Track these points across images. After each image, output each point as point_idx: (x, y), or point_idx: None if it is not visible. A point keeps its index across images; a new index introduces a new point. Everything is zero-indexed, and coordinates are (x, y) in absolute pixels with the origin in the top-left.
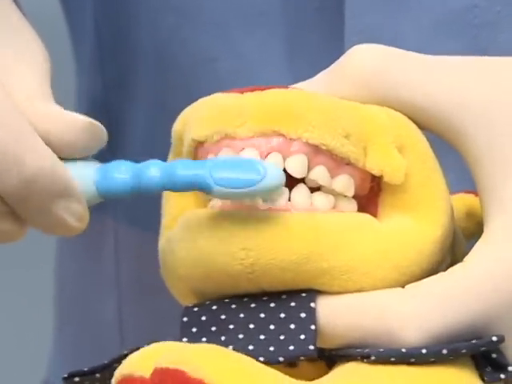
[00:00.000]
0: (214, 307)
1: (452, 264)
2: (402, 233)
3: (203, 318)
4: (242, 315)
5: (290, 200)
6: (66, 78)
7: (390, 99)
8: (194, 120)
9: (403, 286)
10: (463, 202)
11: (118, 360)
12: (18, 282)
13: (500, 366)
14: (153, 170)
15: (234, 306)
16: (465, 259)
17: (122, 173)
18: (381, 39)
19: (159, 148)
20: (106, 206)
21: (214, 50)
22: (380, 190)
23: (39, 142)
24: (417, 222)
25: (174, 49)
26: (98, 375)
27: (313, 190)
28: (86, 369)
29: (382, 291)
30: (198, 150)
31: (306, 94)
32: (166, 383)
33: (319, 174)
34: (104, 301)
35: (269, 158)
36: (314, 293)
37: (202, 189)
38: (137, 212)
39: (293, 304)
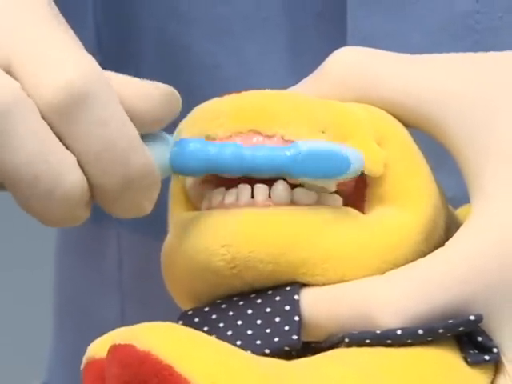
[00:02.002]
0: (206, 309)
1: None
2: (385, 223)
3: (196, 320)
4: (230, 313)
5: (269, 196)
6: None
7: (371, 96)
8: (185, 126)
9: None
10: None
11: None
12: (18, 282)
13: (485, 349)
14: (229, 150)
15: (224, 306)
16: (446, 244)
17: (197, 149)
18: (383, 45)
19: None
20: (108, 215)
21: (217, 56)
22: (365, 185)
23: (139, 139)
24: (400, 212)
25: (177, 55)
26: None
27: (294, 186)
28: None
29: (363, 280)
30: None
31: (280, 93)
32: (116, 358)
33: None
34: (106, 303)
35: None
36: (297, 285)
37: (282, 173)
38: (140, 218)
39: (278, 298)
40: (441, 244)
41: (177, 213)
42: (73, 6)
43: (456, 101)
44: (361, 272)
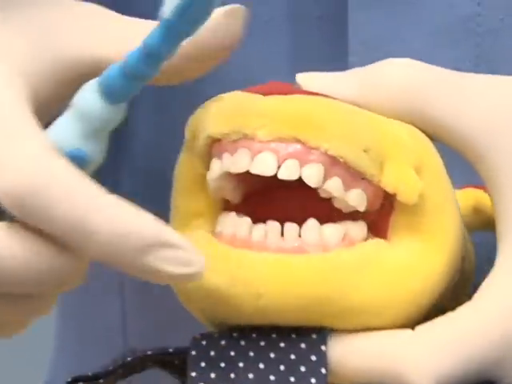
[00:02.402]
0: (223, 342)
1: (459, 283)
2: (410, 264)
3: (212, 354)
4: (251, 353)
5: (300, 235)
6: None
7: (421, 114)
8: (212, 116)
9: (412, 322)
10: (471, 196)
11: (123, 365)
12: None
13: None
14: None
15: (243, 343)
16: (475, 296)
17: (116, 74)
18: (384, 47)
19: (162, 152)
20: None
21: None
22: (392, 209)
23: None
24: (426, 247)
25: None
26: (101, 381)
27: (322, 221)
28: (89, 373)
29: (393, 333)
30: (213, 147)
31: (329, 102)
32: None
33: (334, 186)
34: (107, 304)
35: (285, 164)
36: (324, 334)
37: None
38: None
39: (303, 346)
40: (458, 271)
41: (194, 211)
42: None
43: (505, 136)
44: (389, 321)
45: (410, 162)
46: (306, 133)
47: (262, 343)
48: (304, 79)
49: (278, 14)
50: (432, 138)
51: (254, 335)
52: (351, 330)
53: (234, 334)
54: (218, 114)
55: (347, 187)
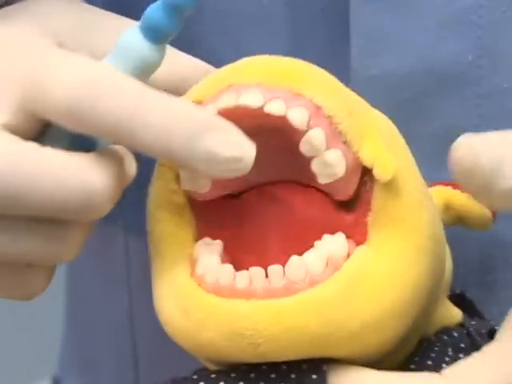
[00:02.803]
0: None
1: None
2: (396, 270)
3: None
4: None
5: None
6: None
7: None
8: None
9: (414, 329)
10: (441, 194)
11: None
12: None
13: None
14: None
15: None
16: (497, 337)
17: (156, 9)
18: (386, 40)
19: None
20: (115, 216)
21: (220, 52)
22: (369, 207)
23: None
24: (407, 246)
25: (181, 51)
26: None
27: (304, 247)
28: None
29: (423, 378)
30: None
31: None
32: None
33: (317, 136)
34: (115, 301)
35: (271, 103)
36: (324, 374)
37: None
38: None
39: None
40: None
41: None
42: None
43: None
44: (387, 333)
45: (385, 144)
46: (293, 81)
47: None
48: None
49: (279, 7)
50: None
51: (252, 375)
52: (349, 355)
53: (233, 375)
54: (198, 86)
55: (328, 144)
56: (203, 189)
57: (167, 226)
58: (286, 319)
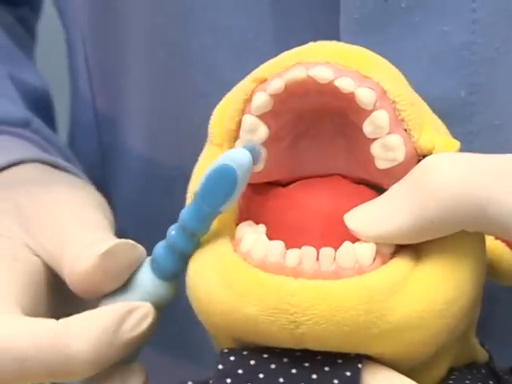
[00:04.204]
0: (252, 362)
1: None
2: (441, 272)
3: (239, 371)
4: (281, 380)
5: (334, 259)
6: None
7: (478, 216)
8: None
9: (453, 335)
10: None
11: None
12: None
13: None
14: (172, 231)
15: (273, 367)
16: None
17: (160, 250)
18: None
19: (153, 179)
20: None
21: (204, 85)
22: None
23: None
24: (453, 250)
25: (165, 83)
26: None
27: (354, 240)
28: None
29: None
30: (257, 89)
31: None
32: None
33: (382, 118)
34: None
35: (341, 79)
36: (358, 373)
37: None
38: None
39: (336, 382)
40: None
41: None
42: (70, 40)
43: None
44: (428, 331)
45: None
46: (361, 64)
47: (294, 371)
48: (352, 220)
49: (266, 41)
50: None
51: (285, 360)
52: (389, 353)
53: (265, 356)
54: (262, 66)
55: (391, 129)
56: (257, 167)
57: None
58: (333, 301)
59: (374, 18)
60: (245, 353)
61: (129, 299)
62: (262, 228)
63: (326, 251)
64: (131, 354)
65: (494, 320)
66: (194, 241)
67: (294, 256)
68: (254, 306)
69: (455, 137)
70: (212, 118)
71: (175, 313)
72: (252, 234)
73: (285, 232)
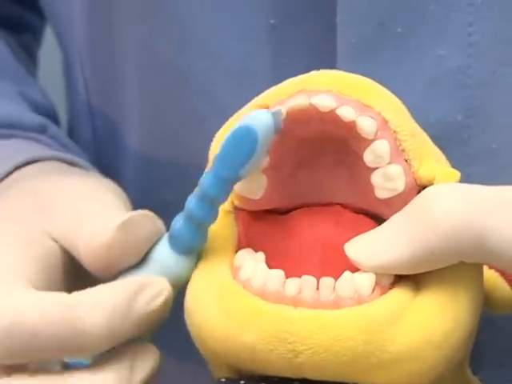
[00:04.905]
0: None
1: None
2: (440, 303)
3: None
4: None
5: (334, 289)
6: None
7: (478, 246)
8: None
9: (452, 366)
10: None
11: None
12: None
13: None
14: (191, 201)
15: None
16: None
17: (178, 223)
18: None
19: (150, 200)
20: None
21: (202, 110)
22: None
23: None
24: (453, 281)
25: (163, 107)
26: None
27: (354, 270)
28: None
29: None
30: None
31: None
32: None
33: (383, 147)
34: None
35: (343, 108)
36: None
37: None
38: None
39: None
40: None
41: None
42: (68, 62)
43: None
44: (426, 362)
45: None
46: (363, 94)
47: None
48: (352, 250)
49: (263, 65)
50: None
51: None
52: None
53: None
54: (265, 93)
55: (391, 159)
56: (256, 195)
57: (211, 229)
58: (332, 330)
59: (370, 42)
60: (242, 382)
61: (145, 275)
62: (261, 256)
63: (326, 281)
64: (145, 334)
65: (489, 345)
66: (214, 209)
67: (293, 285)
68: (252, 334)
69: (452, 160)
70: (213, 143)
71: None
72: (251, 262)
73: (284, 260)
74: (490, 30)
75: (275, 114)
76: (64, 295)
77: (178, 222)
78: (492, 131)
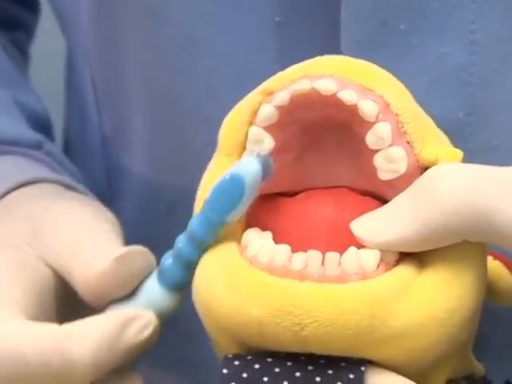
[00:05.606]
0: (257, 366)
1: None
2: (444, 281)
3: (244, 375)
4: (285, 383)
5: (339, 263)
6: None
7: (482, 225)
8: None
9: (456, 343)
10: None
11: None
12: None
13: None
14: (180, 241)
15: (277, 370)
16: None
17: (168, 260)
18: None
19: (156, 197)
20: None
21: (206, 108)
22: None
23: None
24: (457, 259)
25: (168, 105)
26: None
27: (359, 248)
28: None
29: None
30: (264, 101)
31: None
32: None
33: (384, 130)
34: None
35: (344, 91)
36: (362, 376)
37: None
38: None
39: None
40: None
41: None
42: (74, 62)
43: None
44: (429, 338)
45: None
46: (365, 78)
47: (297, 374)
48: (358, 227)
49: (267, 64)
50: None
51: (289, 363)
52: (389, 358)
53: (269, 360)
54: (269, 80)
55: (393, 141)
56: (265, 180)
57: None
58: (337, 304)
59: (373, 39)
60: (249, 357)
61: (134, 307)
62: (268, 234)
63: (332, 256)
64: (130, 363)
65: (491, 338)
66: (201, 250)
67: (299, 260)
68: (259, 308)
69: None
70: (221, 128)
71: (183, 333)
72: (259, 239)
73: (291, 240)
74: (492, 27)
75: (264, 160)
76: (55, 326)
77: (168, 259)
78: (493, 128)
